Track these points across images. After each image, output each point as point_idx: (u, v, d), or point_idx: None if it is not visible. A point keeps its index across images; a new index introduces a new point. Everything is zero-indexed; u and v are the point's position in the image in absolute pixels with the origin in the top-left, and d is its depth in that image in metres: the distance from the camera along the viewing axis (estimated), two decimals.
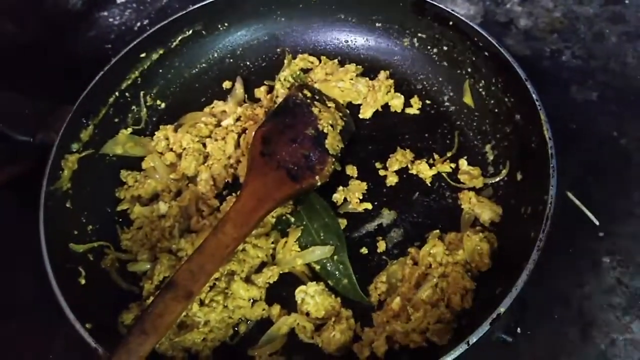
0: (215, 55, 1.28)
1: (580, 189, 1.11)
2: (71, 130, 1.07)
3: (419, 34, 1.19)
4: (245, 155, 1.12)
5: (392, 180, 1.09)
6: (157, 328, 0.81)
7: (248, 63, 1.29)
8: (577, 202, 1.10)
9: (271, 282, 1.00)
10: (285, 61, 1.24)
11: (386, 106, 1.19)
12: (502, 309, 0.81)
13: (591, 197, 1.11)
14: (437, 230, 1.02)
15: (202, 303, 0.96)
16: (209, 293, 0.96)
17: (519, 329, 0.98)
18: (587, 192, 1.11)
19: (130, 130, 1.18)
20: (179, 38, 1.22)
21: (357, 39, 1.26)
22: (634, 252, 1.06)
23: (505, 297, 0.82)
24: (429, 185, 1.09)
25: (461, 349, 0.80)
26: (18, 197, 1.16)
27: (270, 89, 1.23)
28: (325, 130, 1.08)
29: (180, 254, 1.03)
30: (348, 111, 1.17)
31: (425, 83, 1.21)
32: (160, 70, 1.22)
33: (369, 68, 1.23)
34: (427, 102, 1.18)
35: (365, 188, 1.09)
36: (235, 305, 0.96)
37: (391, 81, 1.19)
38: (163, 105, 1.23)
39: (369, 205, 1.07)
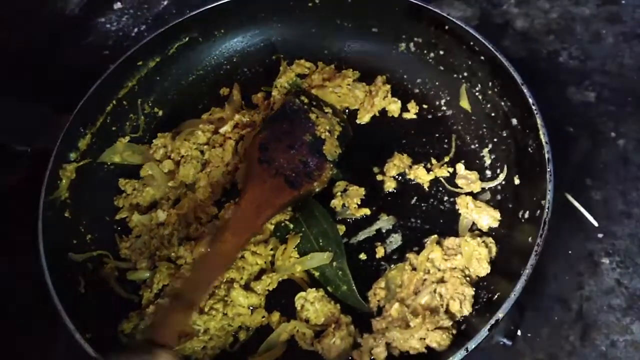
0: (212, 62, 1.28)
1: (578, 191, 1.11)
2: (69, 139, 1.08)
3: (415, 39, 1.20)
4: (243, 162, 1.12)
5: (390, 185, 1.10)
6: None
7: (245, 69, 1.29)
8: (576, 203, 1.10)
9: (270, 289, 1.01)
10: (281, 68, 1.24)
11: (383, 111, 1.19)
12: (500, 315, 0.81)
13: (590, 198, 1.12)
14: (436, 235, 1.02)
15: (201, 311, 0.96)
16: (209, 301, 0.97)
17: (519, 331, 0.99)
18: (585, 193, 1.12)
19: (128, 138, 1.18)
20: (176, 45, 1.22)
21: (353, 44, 1.26)
22: (633, 253, 1.06)
23: (503, 302, 0.82)
24: (427, 190, 1.09)
25: (460, 355, 0.80)
26: (17, 207, 1.16)
27: (268, 95, 1.23)
28: (322, 137, 1.08)
29: (180, 261, 1.03)
30: (345, 116, 1.18)
31: (421, 87, 1.21)
32: (158, 78, 1.22)
33: (366, 73, 1.23)
34: (424, 106, 1.18)
35: (364, 193, 1.09)
36: (234, 313, 0.97)
37: (388, 86, 1.19)
38: (161, 112, 1.23)
39: (367, 211, 1.07)
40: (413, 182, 1.10)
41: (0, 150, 1.12)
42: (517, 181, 1.02)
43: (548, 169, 0.91)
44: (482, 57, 1.08)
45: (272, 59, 1.28)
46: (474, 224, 1.03)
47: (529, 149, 0.99)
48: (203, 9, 1.20)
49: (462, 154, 1.11)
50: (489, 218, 1.01)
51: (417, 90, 1.21)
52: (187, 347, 0.94)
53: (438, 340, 0.88)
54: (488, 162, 1.09)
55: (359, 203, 1.08)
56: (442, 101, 1.18)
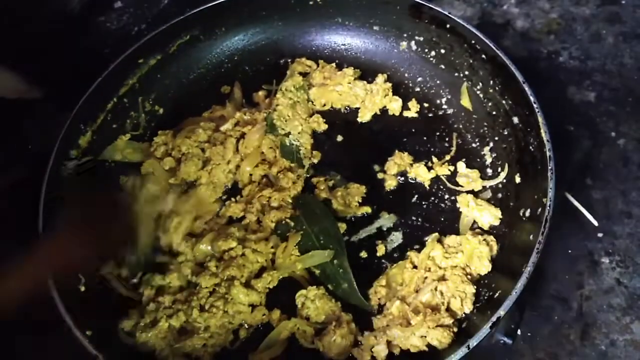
0: (213, 60, 1.28)
1: (578, 190, 1.11)
2: (70, 136, 1.07)
3: (417, 37, 1.20)
4: (244, 160, 1.12)
5: (391, 183, 1.10)
6: None
7: (246, 67, 1.29)
8: (576, 203, 1.10)
9: (271, 286, 1.00)
10: (288, 72, 1.23)
11: (384, 109, 1.19)
12: (502, 313, 0.81)
13: (590, 198, 1.12)
14: (437, 234, 1.02)
15: (202, 309, 0.96)
16: (209, 299, 0.97)
17: (519, 330, 0.98)
18: (585, 193, 1.12)
19: (128, 136, 1.18)
20: (177, 43, 1.22)
21: (354, 42, 1.26)
22: (633, 253, 1.06)
23: (505, 300, 0.82)
24: (428, 188, 1.09)
25: (461, 352, 0.80)
26: (17, 204, 1.15)
27: (269, 94, 1.23)
28: None
29: (180, 258, 1.03)
30: None
31: (422, 86, 1.21)
32: (158, 76, 1.22)
33: (367, 71, 1.23)
34: (425, 105, 1.19)
35: (365, 191, 1.09)
36: (235, 311, 0.96)
37: (389, 84, 1.19)
38: (161, 110, 1.23)
39: (368, 209, 1.07)
40: (414, 181, 1.10)
41: (1, 149, 1.12)
42: (518, 179, 1.02)
43: (549, 167, 0.91)
44: (484, 56, 1.08)
45: (273, 57, 1.29)
46: (474, 222, 1.03)
47: (530, 147, 0.99)
48: (204, 6, 1.20)
49: (463, 152, 1.12)
50: (490, 216, 1.01)
51: (418, 89, 1.21)
52: (187, 345, 0.94)
53: (439, 338, 0.88)
54: (489, 160, 1.09)
55: (360, 201, 1.08)
56: (443, 99, 1.18)
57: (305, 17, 1.25)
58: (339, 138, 1.18)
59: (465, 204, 1.04)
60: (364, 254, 1.03)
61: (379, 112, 1.19)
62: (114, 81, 1.15)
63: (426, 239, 1.02)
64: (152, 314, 0.96)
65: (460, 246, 0.97)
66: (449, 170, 1.09)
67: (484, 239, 0.97)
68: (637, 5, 1.35)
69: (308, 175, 1.13)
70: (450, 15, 1.10)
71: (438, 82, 1.19)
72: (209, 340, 0.95)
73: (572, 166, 1.12)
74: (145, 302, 0.99)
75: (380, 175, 1.11)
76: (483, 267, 0.95)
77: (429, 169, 1.10)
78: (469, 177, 1.07)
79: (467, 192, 1.06)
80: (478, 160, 1.10)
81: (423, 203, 1.07)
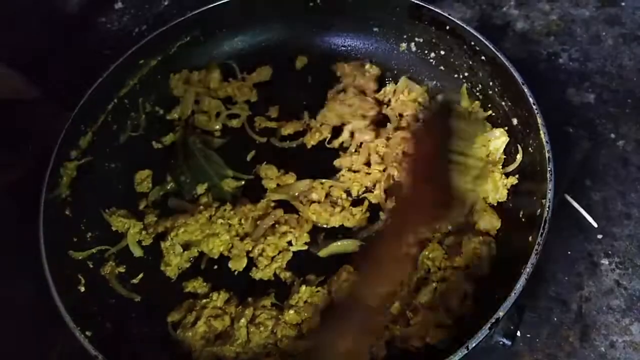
0: (213, 61, 1.27)
1: (578, 192, 1.11)
2: (70, 137, 1.08)
3: (416, 39, 1.20)
4: None
5: None
6: None
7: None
8: (575, 204, 1.10)
9: None
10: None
11: None
12: (501, 313, 0.81)
13: (589, 199, 1.12)
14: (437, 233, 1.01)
15: (251, 320, 0.96)
16: (262, 314, 0.96)
17: (518, 332, 0.98)
18: (585, 194, 1.12)
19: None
20: (177, 44, 1.22)
21: (354, 44, 1.26)
22: (633, 254, 1.06)
23: (504, 301, 0.82)
24: None
25: (460, 353, 0.80)
26: (17, 204, 1.16)
27: None
28: None
29: None
30: None
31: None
32: (159, 77, 1.22)
33: None
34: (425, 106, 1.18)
35: None
36: (283, 335, 0.95)
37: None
38: (162, 111, 1.23)
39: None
40: None
41: (1, 148, 1.12)
42: (516, 180, 1.02)
43: (549, 168, 0.91)
44: (483, 57, 1.08)
45: (271, 58, 1.28)
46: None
47: (530, 149, 0.99)
48: (204, 8, 1.20)
49: None
50: (487, 223, 1.00)
51: None
52: (219, 349, 0.94)
53: (438, 338, 0.88)
54: None
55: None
56: None
57: (305, 19, 1.25)
58: None
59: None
60: None
61: None
62: (114, 82, 1.15)
63: None
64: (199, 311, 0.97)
65: (460, 247, 0.97)
66: None
67: (484, 240, 0.97)
68: (637, 7, 1.35)
69: None
70: (449, 16, 1.11)
71: (438, 83, 1.19)
72: (241, 354, 0.94)
73: (572, 168, 1.12)
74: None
75: None
76: (482, 268, 0.95)
77: None
78: None
79: None
80: None
81: None
